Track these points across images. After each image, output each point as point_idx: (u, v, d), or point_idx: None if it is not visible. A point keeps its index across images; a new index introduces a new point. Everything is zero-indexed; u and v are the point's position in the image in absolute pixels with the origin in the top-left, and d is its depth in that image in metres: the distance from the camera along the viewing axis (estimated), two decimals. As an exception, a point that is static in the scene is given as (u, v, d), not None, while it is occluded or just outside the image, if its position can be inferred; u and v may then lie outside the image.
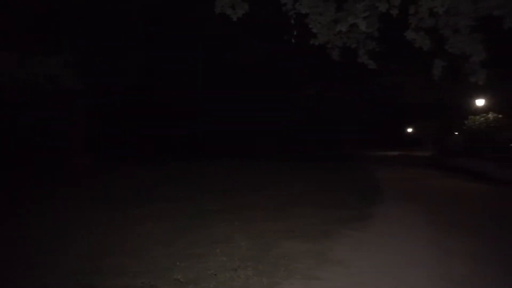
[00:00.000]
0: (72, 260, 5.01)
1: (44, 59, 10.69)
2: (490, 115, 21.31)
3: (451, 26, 4.37)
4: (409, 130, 56.46)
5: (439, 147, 29.61)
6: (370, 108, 36.47)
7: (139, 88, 22.13)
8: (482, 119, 21.41)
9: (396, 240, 6.00)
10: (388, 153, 41.75)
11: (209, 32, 20.37)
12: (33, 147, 17.66)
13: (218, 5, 4.71)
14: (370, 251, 5.40)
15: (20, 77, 10.42)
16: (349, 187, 12.28)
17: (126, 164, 18.60)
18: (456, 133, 27.71)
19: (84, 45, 14.26)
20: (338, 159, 27.81)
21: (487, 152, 20.59)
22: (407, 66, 28.38)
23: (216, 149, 28.18)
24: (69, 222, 7.12)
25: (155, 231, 6.45)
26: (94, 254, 5.21)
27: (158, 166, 18.48)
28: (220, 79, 26.09)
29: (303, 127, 32.42)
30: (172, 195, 10.20)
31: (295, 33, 5.39)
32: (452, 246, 5.68)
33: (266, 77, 27.45)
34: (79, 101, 17.04)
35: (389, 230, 6.68)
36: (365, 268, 4.72)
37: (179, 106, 26.57)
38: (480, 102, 26.81)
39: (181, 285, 4.20)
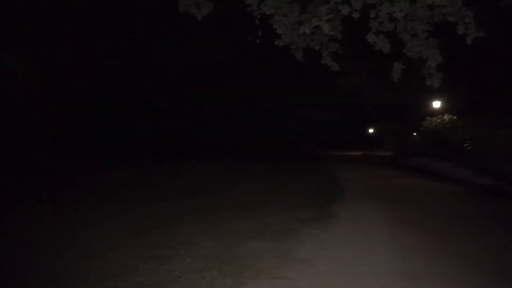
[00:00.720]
0: (31, 264, 4.80)
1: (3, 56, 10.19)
2: (446, 117, 22.28)
3: (409, 31, 4.54)
4: (371, 130, 58.14)
5: (399, 147, 30.64)
6: (333, 108, 37.28)
7: (105, 88, 21.68)
8: (438, 120, 22.35)
9: (359, 238, 6.16)
10: (351, 153, 42.84)
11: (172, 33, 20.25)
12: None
13: (182, 3, 4.66)
14: (334, 250, 5.50)
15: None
16: (313, 186, 12.48)
17: (90, 164, 18.05)
18: (415, 133, 28.76)
19: (48, 43, 13.78)
20: (302, 159, 28.22)
21: (443, 152, 21.54)
22: (369, 68, 29.30)
23: (182, 149, 27.86)
24: (26, 225, 6.81)
25: (119, 233, 6.28)
26: (53, 259, 5.01)
27: (124, 167, 18.07)
28: (185, 80, 25.89)
29: (268, 127, 32.69)
30: (138, 196, 10.02)
31: (259, 34, 5.41)
32: (412, 242, 5.90)
33: (231, 78, 27.50)
34: (41, 100, 16.39)
35: (352, 228, 6.84)
36: (329, 266, 4.80)
37: (144, 106, 26.16)
38: (436, 104, 28.03)
39: (144, 288, 4.12)
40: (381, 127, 48.15)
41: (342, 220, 7.47)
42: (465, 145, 15.80)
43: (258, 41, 5.48)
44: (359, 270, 4.66)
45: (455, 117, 21.45)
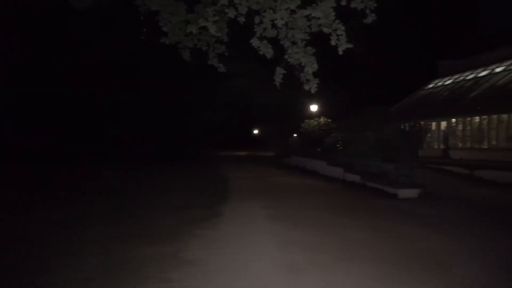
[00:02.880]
0: None
1: None
2: (322, 119, 24.29)
3: (289, 38, 4.85)
4: (256, 131, 60.53)
5: (281, 148, 32.42)
6: (218, 109, 37.58)
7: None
8: (315, 122, 24.24)
9: (245, 236, 6.36)
10: (237, 153, 43.97)
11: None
12: None
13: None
14: (220, 249, 5.59)
15: None
16: (200, 187, 12.49)
17: None
18: (295, 135, 30.73)
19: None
20: (188, 160, 27.99)
21: (319, 152, 23.47)
22: (254, 71, 30.44)
23: (64, 151, 25.26)
24: None
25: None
26: None
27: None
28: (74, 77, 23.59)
29: (152, 127, 31.49)
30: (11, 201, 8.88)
31: (144, 30, 5.23)
32: (292, 236, 6.31)
33: (120, 76, 25.92)
34: None
35: (238, 226, 7.03)
36: (217, 265, 4.86)
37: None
38: (314, 108, 30.49)
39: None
40: (266, 128, 50.44)
41: (228, 219, 7.63)
42: (337, 145, 17.44)
43: (142, 38, 5.29)
44: (244, 266, 4.82)
45: (329, 120, 23.50)
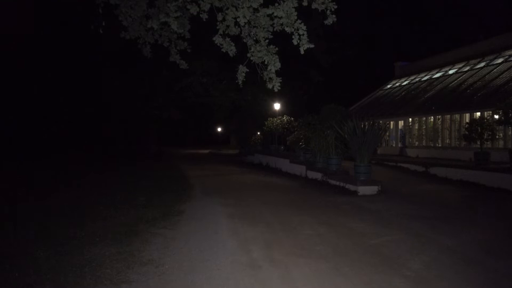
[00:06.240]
0: None
1: None
2: (285, 118, 24.46)
3: (252, 37, 4.87)
4: (219, 129, 60.33)
5: (244, 146, 32.47)
6: (180, 106, 37.09)
7: None
8: (278, 121, 24.38)
9: (204, 234, 6.31)
10: (199, 151, 43.62)
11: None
12: None
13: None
14: (179, 248, 5.52)
15: None
16: (162, 185, 12.27)
17: None
18: (259, 133, 30.80)
19: None
20: (150, 157, 27.49)
21: (282, 150, 23.71)
22: (217, 68, 30.30)
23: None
24: None
25: None
26: None
27: None
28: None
29: (108, 123, 30.59)
30: None
31: (103, 24, 5.07)
32: (251, 234, 6.33)
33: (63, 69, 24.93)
34: None
35: (197, 225, 6.97)
36: (175, 264, 4.80)
37: None
38: (277, 106, 30.76)
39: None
40: (229, 126, 50.36)
41: (188, 218, 7.55)
42: (300, 143, 17.63)
43: (101, 31, 5.12)
44: (204, 265, 4.79)
45: (292, 119, 23.72)
